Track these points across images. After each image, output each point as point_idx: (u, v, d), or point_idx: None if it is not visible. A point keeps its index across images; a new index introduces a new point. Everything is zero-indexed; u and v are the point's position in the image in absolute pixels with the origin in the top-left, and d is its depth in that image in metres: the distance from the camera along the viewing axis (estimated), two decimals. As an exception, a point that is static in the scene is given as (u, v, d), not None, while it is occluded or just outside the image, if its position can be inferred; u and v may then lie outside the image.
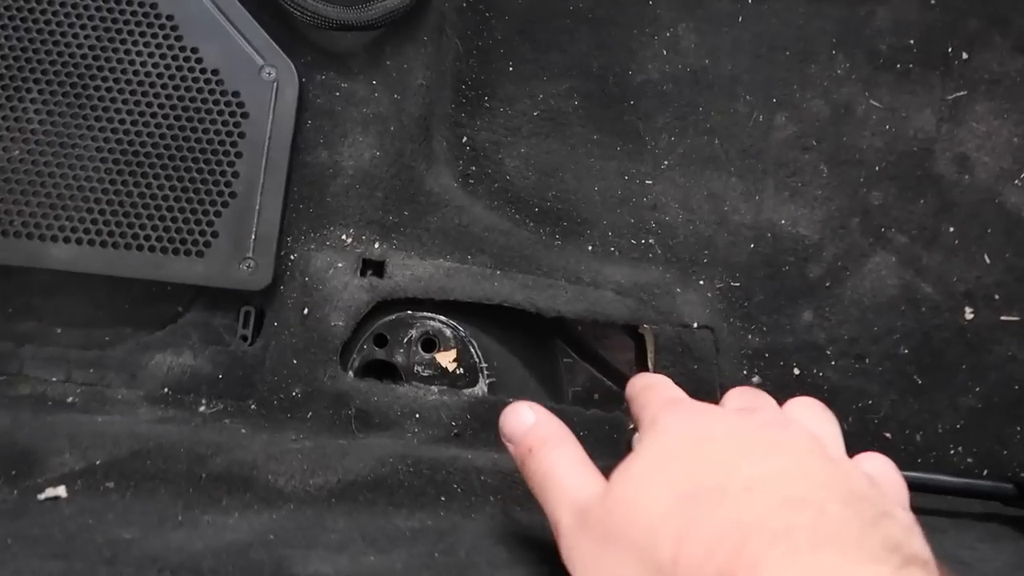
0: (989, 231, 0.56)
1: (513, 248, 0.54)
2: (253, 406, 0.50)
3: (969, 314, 0.55)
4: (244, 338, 0.52)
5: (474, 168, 0.58)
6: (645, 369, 0.54)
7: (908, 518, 0.29)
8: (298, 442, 0.46)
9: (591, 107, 0.58)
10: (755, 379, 0.55)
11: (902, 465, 0.54)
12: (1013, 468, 0.54)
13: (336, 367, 0.51)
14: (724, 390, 0.53)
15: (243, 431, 0.47)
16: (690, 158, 0.58)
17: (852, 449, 0.54)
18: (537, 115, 0.58)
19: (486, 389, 0.52)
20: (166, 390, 0.50)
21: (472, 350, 0.52)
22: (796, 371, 0.55)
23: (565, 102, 0.58)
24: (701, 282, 0.56)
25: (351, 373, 0.51)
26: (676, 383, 0.52)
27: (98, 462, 0.43)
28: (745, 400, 0.37)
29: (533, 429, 0.36)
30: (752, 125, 0.58)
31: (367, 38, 0.55)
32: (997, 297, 0.55)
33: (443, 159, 0.56)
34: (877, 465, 0.35)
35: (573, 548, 0.31)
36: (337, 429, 0.49)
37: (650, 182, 0.57)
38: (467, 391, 0.51)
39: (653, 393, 0.38)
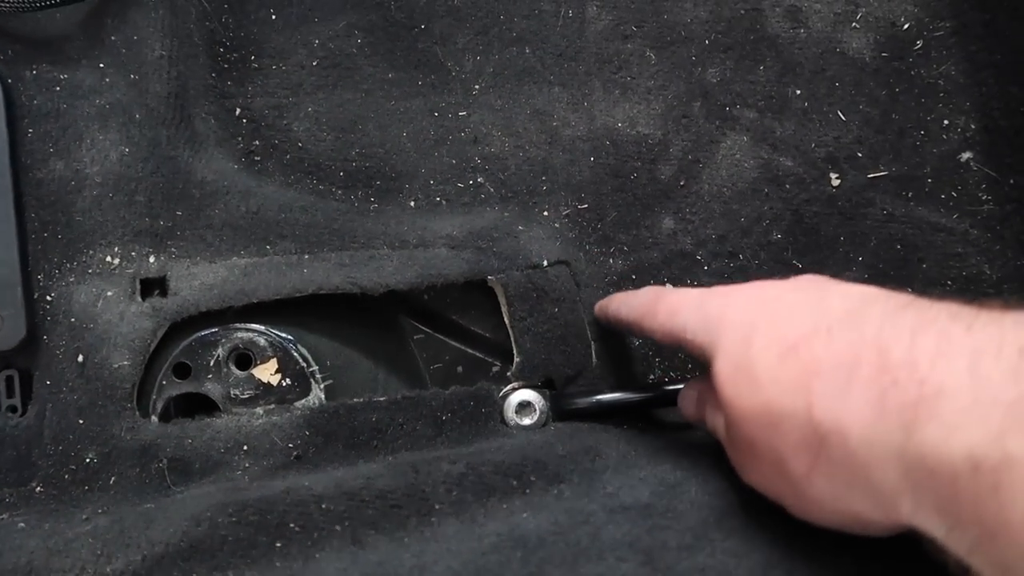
0: (837, 85, 0.51)
1: (319, 224, 0.46)
2: (39, 488, 0.41)
3: (835, 180, 0.50)
4: (13, 409, 0.42)
5: (257, 142, 0.49)
6: (502, 322, 0.46)
7: None
8: (90, 521, 0.37)
9: (377, 42, 0.50)
10: (627, 305, 0.49)
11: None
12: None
13: (134, 416, 0.42)
14: (594, 328, 0.47)
15: (21, 526, 0.38)
16: (503, 76, 0.50)
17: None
18: (317, 64, 0.49)
19: (323, 395, 0.44)
20: (-80, 498, 0.40)
21: (296, 354, 0.44)
22: (669, 286, 0.49)
23: (346, 43, 0.50)
24: (546, 212, 0.49)
25: (154, 418, 0.42)
26: (537, 333, 0.45)
27: None
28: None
29: (699, 400, 0.38)
30: (563, 23, 0.50)
31: (80, 13, 0.45)
32: (860, 155, 0.51)
33: (213, 139, 0.47)
34: None
35: (736, 464, 0.32)
36: (150, 489, 0.40)
37: (464, 113, 0.50)
38: (300, 403, 0.43)
39: (654, 301, 0.38)
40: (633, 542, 0.31)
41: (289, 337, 0.44)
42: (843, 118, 0.51)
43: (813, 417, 0.26)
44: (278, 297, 0.43)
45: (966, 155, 0.50)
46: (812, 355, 0.27)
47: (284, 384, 0.43)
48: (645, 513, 0.33)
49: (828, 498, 0.27)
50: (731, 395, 0.30)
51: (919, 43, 0.51)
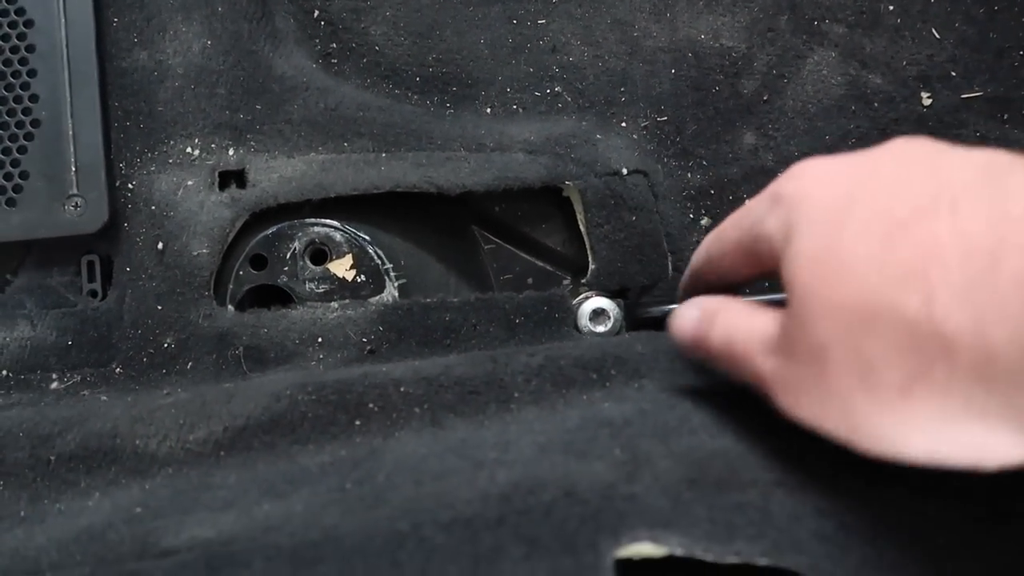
0: (933, 1, 0.49)
1: (397, 125, 0.45)
2: (119, 369, 0.41)
3: (927, 99, 0.48)
4: (93, 293, 0.43)
5: (335, 45, 0.48)
6: (579, 234, 0.46)
7: None
8: (171, 395, 0.37)
9: (458, -53, 0.49)
10: (704, 221, 0.48)
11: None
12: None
13: (211, 303, 0.42)
14: (671, 240, 0.46)
15: (104, 399, 0.38)
16: (584, -16, 0.49)
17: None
18: (396, -32, 0.49)
19: (396, 293, 0.43)
20: (4, 372, 0.41)
21: (371, 251, 0.43)
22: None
23: (426, -53, 0.49)
24: (623, 124, 0.48)
25: (231, 307, 0.43)
26: (614, 241, 0.44)
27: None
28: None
29: (702, 319, 0.30)
30: (647, -69, 0.49)
31: (165, -96, 0.44)
32: (954, 74, 0.48)
33: (293, 38, 0.47)
34: None
35: (789, 386, 0.25)
36: (226, 375, 0.41)
37: (543, 21, 0.49)
38: (374, 299, 0.43)
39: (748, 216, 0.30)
40: (725, 424, 0.30)
41: (364, 236, 0.44)
42: (937, 36, 0.49)
43: (934, 317, 0.21)
44: (355, 193, 0.43)
45: (1068, 78, 0.48)
46: (932, 235, 0.21)
47: (359, 280, 0.43)
48: (734, 403, 0.32)
49: (929, 418, 0.21)
50: (809, 285, 0.23)
51: (1022, -41, 0.48)
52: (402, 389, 0.36)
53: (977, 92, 0.48)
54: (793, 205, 0.25)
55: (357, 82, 0.48)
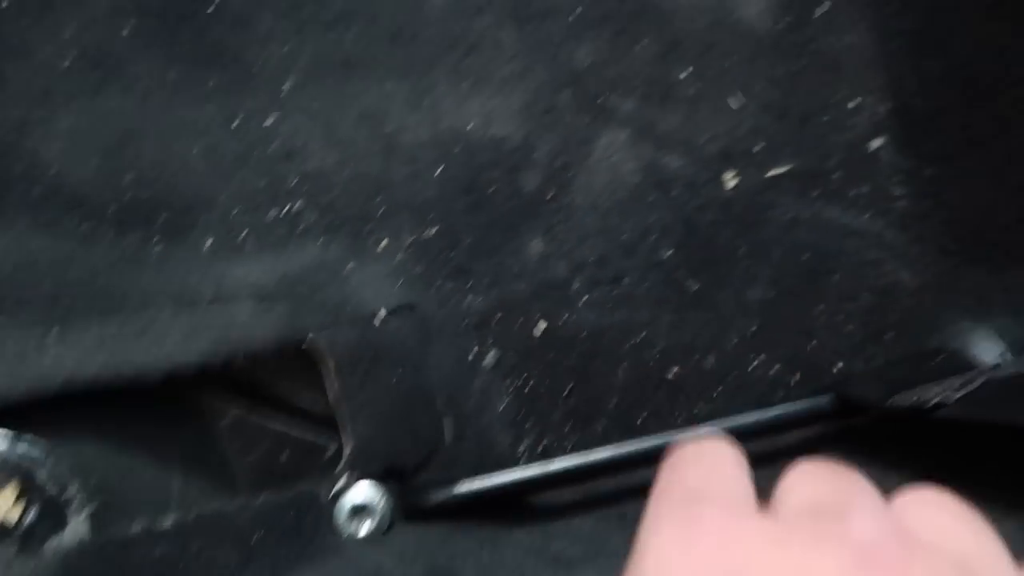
0: (727, 65, 0.42)
1: (76, 282, 0.34)
2: None
3: (731, 180, 0.42)
4: None
5: (-11, 173, 0.36)
6: (334, 398, 0.36)
7: None
8: None
9: (152, 30, 0.38)
10: (489, 357, 0.40)
11: (698, 411, 0.42)
12: (828, 358, 0.42)
13: None
14: (448, 390, 0.38)
15: None
16: (319, 69, 0.39)
17: (634, 408, 0.41)
18: (72, 65, 0.37)
19: (86, 528, 0.33)
20: None
21: (44, 473, 0.32)
22: (543, 323, 0.40)
23: (111, 33, 0.38)
24: (383, 243, 0.39)
25: None
26: (374, 410, 0.36)
27: None
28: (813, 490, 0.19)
29: None
30: (392, -1, 0.40)
31: None
32: (756, 149, 0.42)
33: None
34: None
35: None
36: None
37: (272, 120, 0.39)
38: (52, 544, 0.32)
39: None
40: None
41: (33, 450, 0.32)
42: (739, 102, 0.42)
43: None
44: (10, 398, 0.32)
45: (876, 142, 0.43)
46: None
47: (27, 520, 0.32)
48: None
49: None
50: None
51: (824, 6, 0.43)
52: None
53: (784, 167, 0.42)
54: None
55: (29, 221, 0.36)
